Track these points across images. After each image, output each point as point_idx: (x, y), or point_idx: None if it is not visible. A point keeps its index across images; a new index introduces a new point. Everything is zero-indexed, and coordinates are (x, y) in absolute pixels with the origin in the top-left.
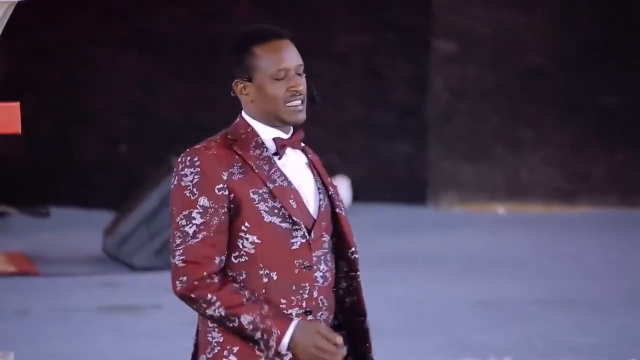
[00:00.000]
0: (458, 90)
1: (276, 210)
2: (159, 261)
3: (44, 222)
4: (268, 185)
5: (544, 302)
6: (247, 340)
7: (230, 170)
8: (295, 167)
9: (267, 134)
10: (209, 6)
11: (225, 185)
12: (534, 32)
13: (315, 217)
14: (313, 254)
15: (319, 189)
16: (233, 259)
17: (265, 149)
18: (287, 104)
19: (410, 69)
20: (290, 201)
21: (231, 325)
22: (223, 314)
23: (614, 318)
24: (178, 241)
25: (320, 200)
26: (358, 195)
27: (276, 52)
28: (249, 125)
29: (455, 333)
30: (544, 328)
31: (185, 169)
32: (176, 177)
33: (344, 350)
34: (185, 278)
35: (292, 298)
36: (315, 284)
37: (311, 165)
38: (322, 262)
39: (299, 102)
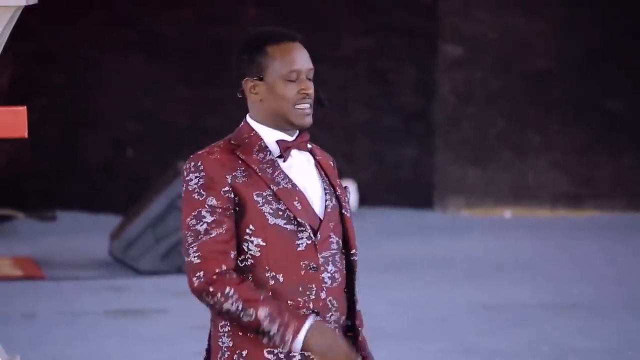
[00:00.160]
0: (464, 94)
1: (281, 212)
2: (165, 265)
3: (50, 226)
4: (272, 187)
5: (549, 306)
6: (260, 336)
7: (233, 174)
8: (301, 168)
9: (271, 136)
10: (215, 10)
11: (229, 188)
12: (540, 36)
13: (321, 218)
14: (320, 255)
15: (325, 189)
16: (239, 262)
17: (268, 152)
18: (296, 107)
19: (417, 73)
20: (295, 203)
21: (247, 319)
22: (240, 307)
23: (619, 322)
24: (190, 240)
25: (326, 201)
26: (364, 199)
27: (289, 54)
28: (252, 130)
29: (460, 337)
30: (549, 332)
31: (190, 175)
32: (184, 184)
33: None
34: (202, 273)
35: (299, 299)
36: (323, 285)
37: (318, 166)
38: (330, 263)
39: (308, 105)
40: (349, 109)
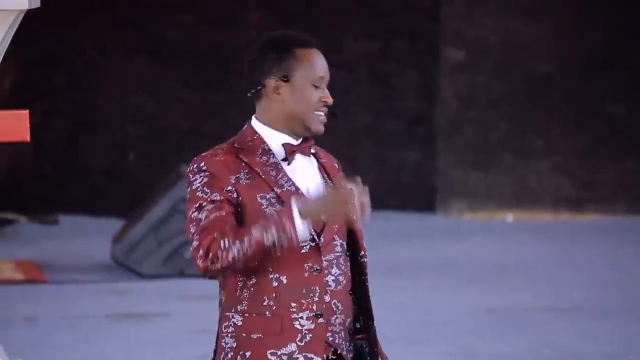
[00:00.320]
0: (467, 98)
1: None
2: (167, 269)
3: (52, 230)
4: (275, 190)
5: (551, 310)
6: (274, 253)
7: (237, 176)
8: (305, 172)
9: (276, 139)
10: (217, 13)
11: (232, 188)
12: (542, 40)
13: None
14: (324, 258)
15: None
16: None
17: (272, 155)
18: (316, 112)
19: (419, 77)
20: None
21: (252, 250)
22: (240, 245)
23: (620, 326)
24: (193, 230)
25: None
26: None
27: (316, 60)
28: (256, 133)
29: (461, 340)
30: (550, 336)
31: (195, 175)
32: (188, 186)
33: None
34: (201, 251)
35: (303, 301)
36: (328, 287)
37: (322, 169)
38: (334, 265)
39: (324, 113)
40: (352, 113)
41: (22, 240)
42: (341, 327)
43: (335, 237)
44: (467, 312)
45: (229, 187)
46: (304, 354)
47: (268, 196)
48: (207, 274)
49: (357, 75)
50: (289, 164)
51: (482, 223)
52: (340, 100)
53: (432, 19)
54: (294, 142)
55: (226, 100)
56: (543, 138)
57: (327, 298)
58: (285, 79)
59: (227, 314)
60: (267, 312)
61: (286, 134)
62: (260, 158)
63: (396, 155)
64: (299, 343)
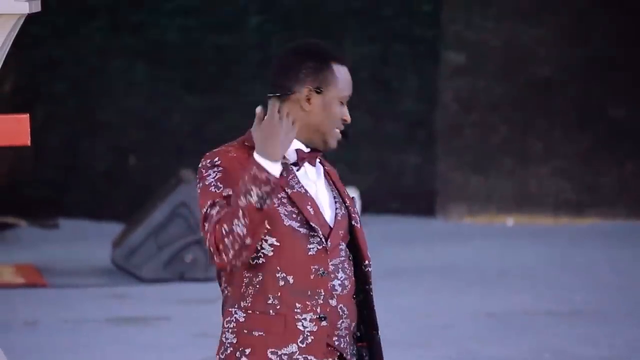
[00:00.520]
0: (467, 101)
1: (294, 215)
2: (168, 273)
3: (52, 234)
4: (286, 190)
5: (552, 314)
6: (267, 205)
7: None
8: (312, 177)
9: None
10: (218, 18)
11: None
12: (543, 43)
13: (331, 226)
14: (330, 262)
15: (335, 198)
16: (250, 261)
17: (283, 157)
18: (335, 129)
19: (419, 81)
20: (308, 207)
21: (248, 219)
22: (236, 222)
23: (621, 330)
24: (206, 227)
25: (337, 209)
26: (367, 207)
27: (347, 78)
28: None
29: (464, 344)
30: (551, 339)
31: (208, 170)
32: (200, 182)
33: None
34: (212, 247)
35: (307, 303)
36: (334, 292)
37: (327, 176)
38: (340, 270)
39: (340, 131)
40: (352, 116)
41: (23, 244)
42: (347, 332)
43: (341, 242)
44: (467, 316)
45: None
46: (304, 355)
47: (279, 196)
48: (228, 266)
49: (357, 78)
50: (298, 170)
51: (482, 227)
52: None
53: (433, 23)
54: (305, 150)
55: (227, 104)
56: (543, 142)
57: (333, 302)
58: (318, 91)
59: (231, 309)
60: (271, 311)
61: (300, 141)
62: None
63: (396, 159)
64: (300, 344)
